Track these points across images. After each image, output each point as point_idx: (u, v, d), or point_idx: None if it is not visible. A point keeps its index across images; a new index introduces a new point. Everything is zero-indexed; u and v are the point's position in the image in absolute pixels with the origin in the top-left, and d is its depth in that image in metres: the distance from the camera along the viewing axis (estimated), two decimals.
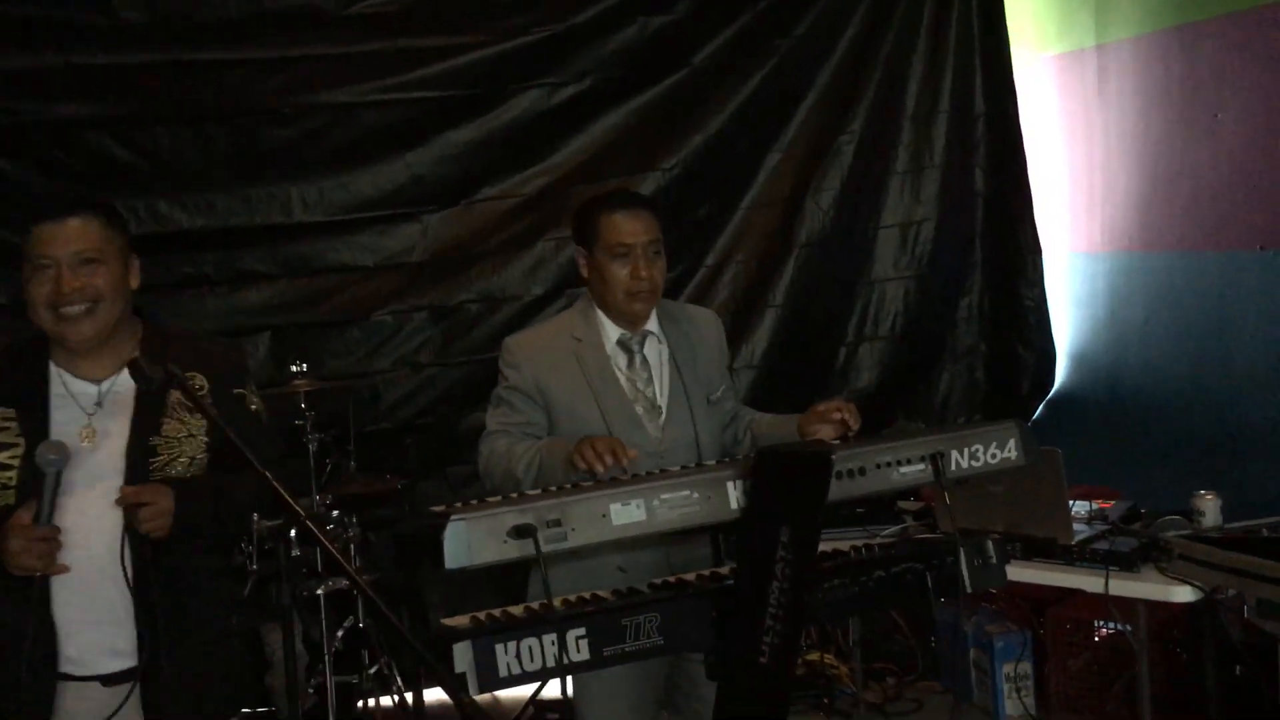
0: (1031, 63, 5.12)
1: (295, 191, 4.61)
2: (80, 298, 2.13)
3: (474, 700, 1.74)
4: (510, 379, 2.75)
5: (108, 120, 4.42)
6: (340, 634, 4.06)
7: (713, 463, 2.48)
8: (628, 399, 2.71)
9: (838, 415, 2.56)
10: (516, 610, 2.24)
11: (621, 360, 2.74)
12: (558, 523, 2.08)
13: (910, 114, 5.04)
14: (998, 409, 5.12)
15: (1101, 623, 4.17)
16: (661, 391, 2.74)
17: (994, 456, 2.45)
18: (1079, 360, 5.07)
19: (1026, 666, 4.22)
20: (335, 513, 3.83)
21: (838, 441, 2.47)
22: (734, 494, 2.22)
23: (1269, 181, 4.03)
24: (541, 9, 4.72)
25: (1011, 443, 2.47)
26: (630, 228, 2.67)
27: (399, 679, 4.18)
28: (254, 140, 4.57)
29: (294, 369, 3.90)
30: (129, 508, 2.10)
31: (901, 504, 3.76)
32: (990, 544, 2.52)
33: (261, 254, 4.62)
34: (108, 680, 2.16)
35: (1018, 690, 4.20)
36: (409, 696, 4.11)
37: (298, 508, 1.82)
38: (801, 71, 4.96)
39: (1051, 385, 5.16)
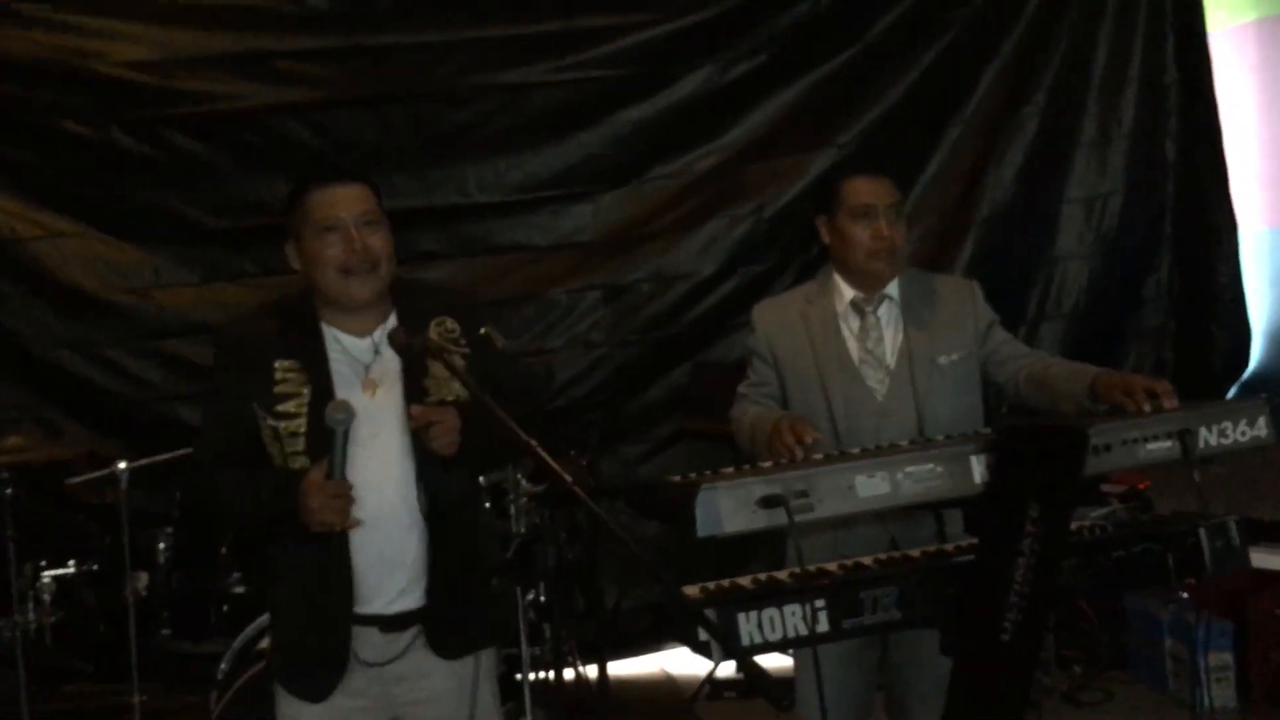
0: (1227, 29, 4.87)
1: (471, 172, 4.70)
2: (368, 258, 2.20)
3: (758, 664, 1.71)
4: (750, 342, 2.89)
5: (292, 104, 4.57)
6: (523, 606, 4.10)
7: (942, 437, 2.41)
8: (853, 361, 2.75)
9: (1146, 406, 2.34)
10: (745, 581, 2.23)
11: (854, 322, 2.78)
12: (805, 494, 2.06)
13: (1097, 84, 4.86)
14: (1188, 390, 4.84)
15: None
16: (890, 352, 2.75)
17: (1244, 434, 2.35)
18: (1277, 340, 4.83)
19: (1227, 657, 4.04)
20: (524, 485, 3.87)
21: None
22: (978, 469, 2.16)
23: None
24: None
25: (1261, 420, 2.35)
26: (871, 189, 2.71)
27: (575, 654, 4.21)
28: (431, 122, 4.67)
29: None
30: (420, 429, 2.15)
31: (1106, 487, 3.63)
32: (1233, 525, 2.41)
33: (438, 234, 4.72)
34: (389, 623, 2.23)
35: (1218, 681, 4.02)
36: (590, 670, 4.13)
37: (564, 476, 1.83)
38: (982, 42, 4.83)
39: (1246, 365, 4.93)
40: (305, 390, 2.19)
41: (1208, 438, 2.32)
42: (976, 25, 4.81)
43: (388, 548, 2.21)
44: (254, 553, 3.64)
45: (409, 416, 2.18)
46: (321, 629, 2.21)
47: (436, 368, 2.25)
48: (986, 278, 4.77)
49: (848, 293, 2.78)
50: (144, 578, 3.65)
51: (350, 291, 2.21)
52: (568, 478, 1.83)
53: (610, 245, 4.79)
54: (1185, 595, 4.16)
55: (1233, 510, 2.92)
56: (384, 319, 2.26)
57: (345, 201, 2.21)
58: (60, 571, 3.89)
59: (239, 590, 3.75)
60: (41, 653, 3.83)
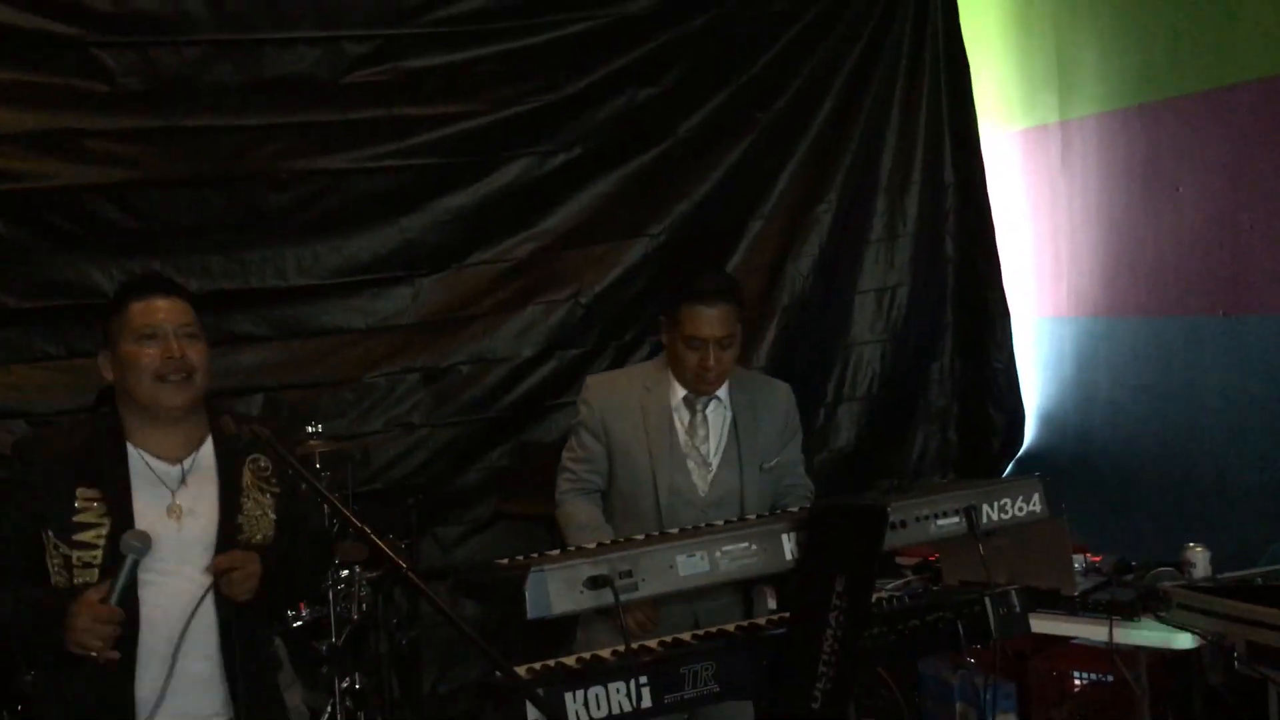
0: (998, 137, 5.38)
1: (290, 255, 4.68)
2: (184, 366, 2.24)
3: None
4: (581, 414, 2.96)
5: (105, 185, 4.45)
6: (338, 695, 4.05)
7: (766, 514, 2.59)
8: (680, 451, 2.89)
9: None
10: (569, 661, 2.31)
11: (684, 415, 2.93)
12: (629, 574, 2.17)
13: (884, 184, 5.28)
14: (969, 468, 5.31)
15: (1079, 673, 4.33)
16: (715, 450, 2.91)
17: (1020, 510, 2.59)
18: (1047, 420, 5.28)
19: (1012, 717, 4.33)
20: (344, 572, 3.85)
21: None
22: (788, 545, 2.32)
23: (1228, 251, 4.29)
24: (533, 80, 4.87)
25: (1035, 497, 2.61)
26: (707, 319, 2.84)
27: None
28: (250, 204, 4.63)
29: (309, 429, 3.93)
30: (219, 574, 2.18)
31: (900, 560, 3.88)
32: (1014, 594, 2.66)
33: (256, 316, 4.66)
34: None
35: None
36: None
37: (399, 561, 1.89)
38: (781, 143, 5.17)
39: (1021, 444, 5.36)
40: (105, 521, 2.17)
41: (990, 513, 2.55)
42: (776, 128, 5.14)
43: (178, 673, 2.19)
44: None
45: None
46: None
47: (250, 504, 2.30)
48: (788, 362, 5.16)
49: (679, 390, 2.93)
50: None
51: (162, 398, 2.23)
52: (402, 563, 1.90)
53: (430, 328, 4.84)
54: (972, 661, 4.45)
55: (1014, 580, 3.20)
56: (196, 446, 2.29)
57: (166, 311, 2.26)
58: None
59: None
60: None
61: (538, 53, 4.85)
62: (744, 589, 2.92)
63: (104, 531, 2.17)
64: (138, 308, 2.25)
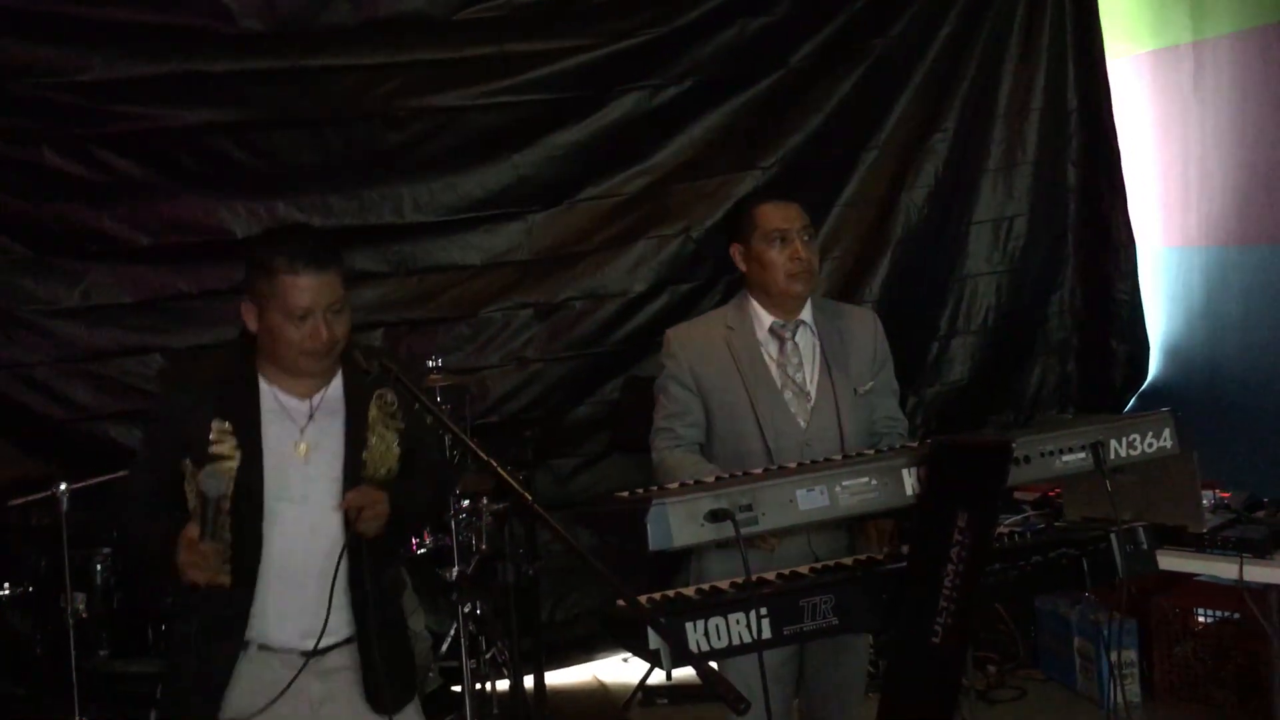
0: (1125, 59, 5.17)
1: (406, 192, 4.75)
2: (331, 344, 2.27)
3: (715, 669, 1.83)
4: (668, 368, 2.89)
5: (228, 124, 4.57)
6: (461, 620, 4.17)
7: (885, 450, 2.57)
8: (776, 386, 2.83)
9: None
10: (689, 592, 2.35)
11: (773, 347, 2.86)
12: (749, 507, 2.18)
13: (1003, 111, 5.12)
14: (1090, 402, 5.19)
15: (1203, 611, 4.25)
16: (810, 379, 2.84)
17: (1150, 445, 2.53)
18: (1173, 353, 5.12)
19: (1132, 654, 4.29)
20: (466, 502, 3.96)
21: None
22: (909, 481, 2.31)
23: None
24: (643, 13, 4.83)
25: (1166, 432, 2.54)
26: (784, 213, 2.83)
27: (506, 667, 4.30)
28: (367, 143, 4.71)
29: (430, 364, 4.02)
30: (350, 511, 2.26)
31: (1018, 494, 3.82)
32: (1141, 530, 2.60)
33: (373, 253, 4.75)
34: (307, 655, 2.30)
35: (1124, 678, 4.25)
36: (528, 680, 4.22)
37: (524, 493, 1.93)
38: (896, 71, 5.04)
39: (1145, 378, 5.21)
40: (236, 454, 2.26)
41: (1118, 449, 2.50)
42: (891, 55, 5.02)
43: (302, 596, 2.29)
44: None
45: (343, 495, 2.29)
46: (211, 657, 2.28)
47: (375, 440, 2.36)
48: (901, 295, 5.09)
49: (766, 319, 2.86)
50: (82, 598, 3.66)
51: (303, 367, 2.31)
52: (527, 495, 1.94)
53: (543, 264, 4.88)
54: (1089, 595, 4.40)
55: (1139, 516, 3.13)
56: (326, 384, 2.36)
57: (316, 291, 2.22)
58: None
59: None
60: None
61: None
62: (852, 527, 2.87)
63: (234, 464, 2.25)
64: (289, 283, 2.20)
